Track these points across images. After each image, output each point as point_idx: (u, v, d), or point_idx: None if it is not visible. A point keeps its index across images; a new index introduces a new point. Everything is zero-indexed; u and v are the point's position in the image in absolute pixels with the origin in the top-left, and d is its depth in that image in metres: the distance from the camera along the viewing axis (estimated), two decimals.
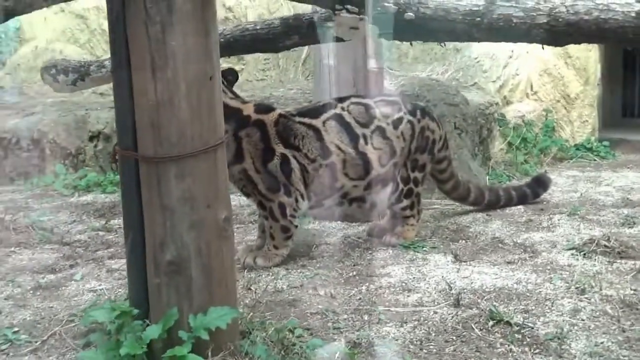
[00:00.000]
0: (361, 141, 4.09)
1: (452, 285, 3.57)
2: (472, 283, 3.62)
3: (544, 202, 5.26)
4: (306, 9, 2.81)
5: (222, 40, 2.88)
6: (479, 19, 2.23)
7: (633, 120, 10.18)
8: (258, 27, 2.84)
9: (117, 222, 5.00)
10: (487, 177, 5.98)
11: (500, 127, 7.04)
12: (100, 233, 4.78)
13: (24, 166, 6.71)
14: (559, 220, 4.73)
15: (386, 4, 2.31)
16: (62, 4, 8.66)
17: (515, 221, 4.77)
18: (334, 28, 2.67)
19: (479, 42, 2.44)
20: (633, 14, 2.16)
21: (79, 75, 3.36)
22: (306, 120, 4.03)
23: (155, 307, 2.74)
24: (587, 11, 2.21)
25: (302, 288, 3.64)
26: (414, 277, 3.74)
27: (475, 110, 6.35)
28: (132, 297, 2.84)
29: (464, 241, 4.38)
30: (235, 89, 4.13)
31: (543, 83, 7.52)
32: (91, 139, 6.70)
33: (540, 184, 5.28)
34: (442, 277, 3.71)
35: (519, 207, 5.11)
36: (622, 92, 10.32)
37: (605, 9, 2.22)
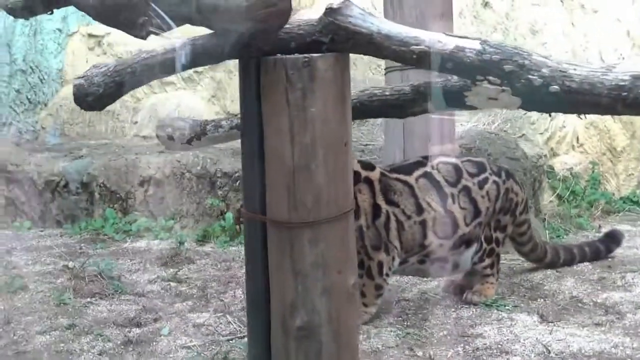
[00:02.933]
0: (449, 200, 4.09)
1: (549, 348, 3.55)
2: (568, 346, 3.60)
3: (609, 259, 5.23)
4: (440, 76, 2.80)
5: None
6: (625, 93, 2.23)
7: None
8: (387, 93, 2.83)
9: (185, 272, 4.99)
10: (546, 232, 5.96)
11: (549, 179, 7.05)
12: (172, 284, 4.74)
13: (71, 209, 6.71)
14: (632, 278, 4.70)
15: (530, 77, 2.32)
16: (105, 46, 8.78)
17: (588, 279, 4.74)
18: (468, 97, 2.67)
19: (621, 115, 2.46)
20: None
21: (195, 134, 3.38)
22: (400, 176, 4.05)
23: None
24: None
25: (397, 348, 3.62)
26: (507, 339, 3.72)
27: (529, 163, 6.36)
28: None
29: (542, 300, 4.35)
30: None
31: (589, 136, 7.54)
32: (142, 183, 6.69)
33: (613, 239, 5.26)
34: (537, 339, 3.69)
35: (585, 263, 5.08)
36: None
37: None
